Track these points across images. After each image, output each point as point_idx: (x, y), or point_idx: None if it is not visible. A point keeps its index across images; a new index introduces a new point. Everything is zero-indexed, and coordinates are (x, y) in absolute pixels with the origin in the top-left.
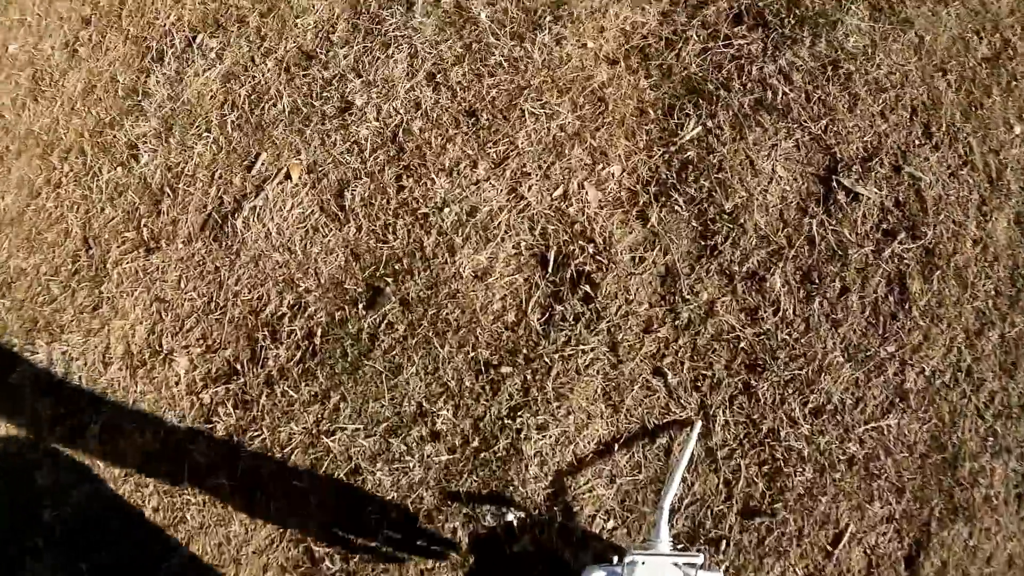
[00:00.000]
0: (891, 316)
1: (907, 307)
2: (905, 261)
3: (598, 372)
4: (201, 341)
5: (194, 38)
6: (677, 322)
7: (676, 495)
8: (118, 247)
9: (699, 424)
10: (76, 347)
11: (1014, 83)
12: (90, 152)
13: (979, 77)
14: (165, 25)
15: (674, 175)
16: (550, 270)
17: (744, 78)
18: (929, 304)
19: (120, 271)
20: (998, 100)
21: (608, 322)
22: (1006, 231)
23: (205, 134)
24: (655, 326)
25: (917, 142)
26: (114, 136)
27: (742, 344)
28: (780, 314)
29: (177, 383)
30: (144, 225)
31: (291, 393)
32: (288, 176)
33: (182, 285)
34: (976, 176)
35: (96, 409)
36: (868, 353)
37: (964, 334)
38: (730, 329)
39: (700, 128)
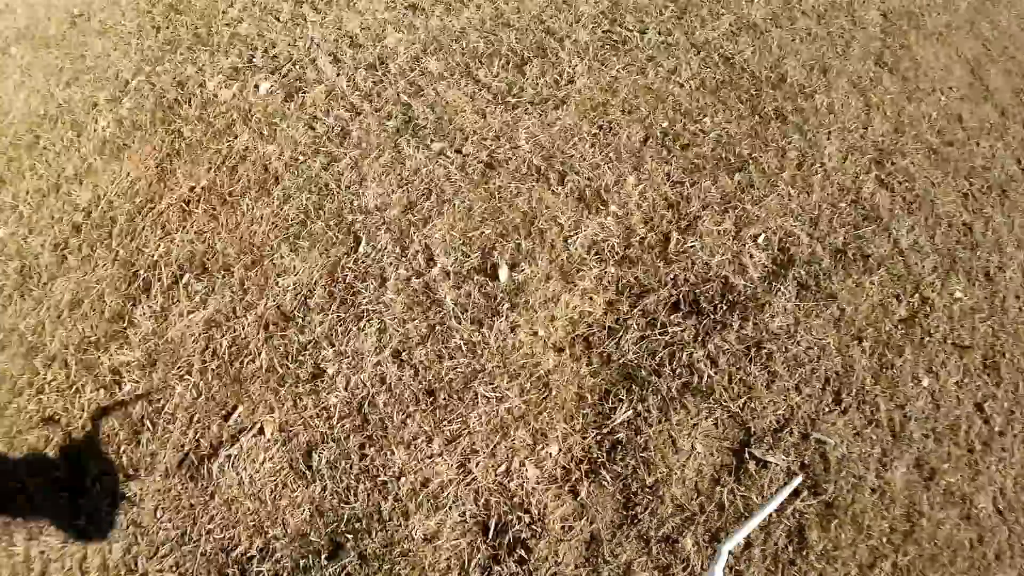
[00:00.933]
0: (789, 563)
1: (804, 553)
2: (806, 516)
3: None
4: (175, 568)
5: (181, 276)
6: None
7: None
8: (97, 467)
9: (799, 479)
10: (54, 550)
11: (927, 338)
12: (73, 367)
13: (893, 339)
14: (154, 256)
15: (604, 455)
16: (490, 536)
17: (675, 363)
18: (825, 548)
19: (99, 489)
20: (909, 358)
21: None
22: (904, 476)
23: (186, 376)
24: None
25: (826, 409)
26: (98, 357)
27: None
28: (689, 570)
29: None
30: (123, 452)
31: None
32: (262, 431)
33: (158, 515)
34: (880, 432)
35: None
36: None
37: (857, 569)
38: None
39: (631, 412)
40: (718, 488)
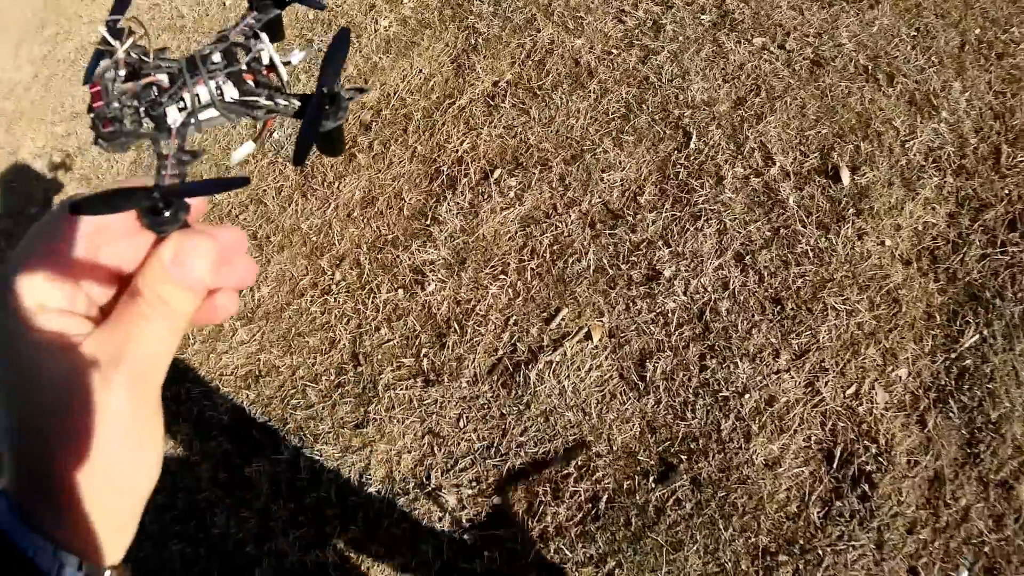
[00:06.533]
0: None
1: None
2: None
3: (863, 568)
4: (474, 483)
5: (491, 171)
6: (937, 525)
7: None
8: (392, 371)
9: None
10: (330, 459)
11: None
12: (367, 266)
13: None
14: (458, 152)
15: (952, 382)
16: (835, 467)
17: (1016, 287)
18: None
19: (392, 396)
20: None
21: (879, 521)
22: None
23: (501, 276)
24: (918, 528)
25: None
26: (396, 256)
27: (985, 548)
28: (1020, 521)
29: (440, 519)
30: (424, 355)
31: (565, 551)
32: (589, 336)
33: (461, 424)
34: None
35: (343, 524)
36: None
37: None
38: (978, 534)
39: (977, 336)
40: None
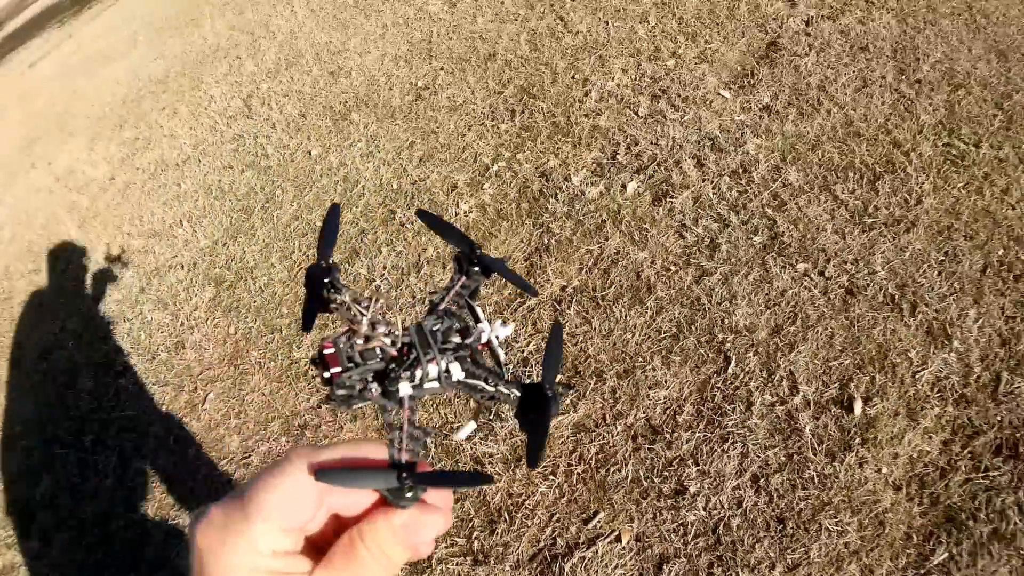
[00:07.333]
0: None
1: None
2: None
3: None
4: None
5: None
6: None
7: None
8: (446, 548)
9: None
10: None
11: None
12: (433, 452)
13: None
14: (523, 352)
15: None
16: None
17: (990, 508)
18: None
19: (444, 570)
20: None
21: None
22: None
23: (551, 476)
24: None
25: None
26: (459, 446)
27: None
28: None
29: None
30: (476, 538)
31: None
32: (619, 539)
33: None
34: None
35: None
36: None
37: None
38: None
39: (946, 555)
40: None
